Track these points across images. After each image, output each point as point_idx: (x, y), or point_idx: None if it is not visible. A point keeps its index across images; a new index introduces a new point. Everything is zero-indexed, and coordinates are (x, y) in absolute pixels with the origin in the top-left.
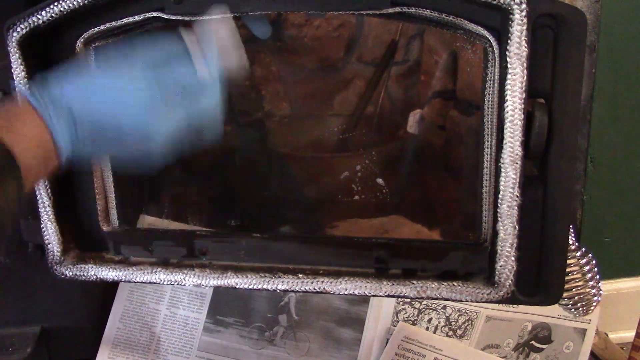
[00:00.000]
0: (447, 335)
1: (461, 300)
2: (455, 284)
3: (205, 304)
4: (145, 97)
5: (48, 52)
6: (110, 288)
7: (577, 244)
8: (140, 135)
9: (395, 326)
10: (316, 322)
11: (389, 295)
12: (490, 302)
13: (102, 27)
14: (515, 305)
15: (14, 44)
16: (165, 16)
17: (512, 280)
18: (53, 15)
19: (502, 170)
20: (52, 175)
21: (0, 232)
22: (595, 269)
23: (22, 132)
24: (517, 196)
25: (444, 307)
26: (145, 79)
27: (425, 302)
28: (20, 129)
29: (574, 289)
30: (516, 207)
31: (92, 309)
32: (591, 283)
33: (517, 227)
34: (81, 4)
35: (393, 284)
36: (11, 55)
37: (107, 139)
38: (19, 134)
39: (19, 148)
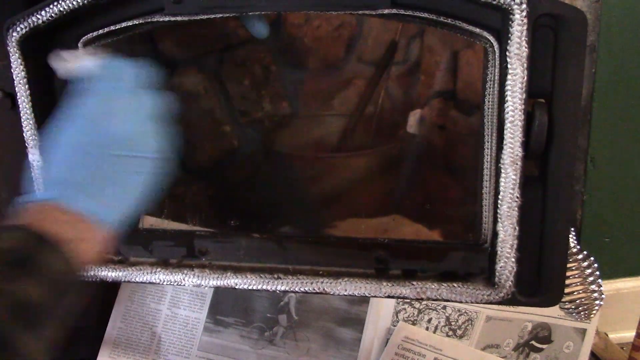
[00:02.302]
0: (447, 335)
1: (461, 302)
2: (455, 284)
3: (205, 304)
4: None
5: (48, 52)
6: (111, 288)
7: (578, 247)
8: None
9: (395, 326)
10: (316, 322)
11: (388, 296)
12: (491, 303)
13: (102, 27)
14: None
15: (13, 44)
16: (165, 17)
17: (512, 282)
18: (53, 15)
19: (502, 170)
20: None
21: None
22: (597, 273)
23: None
24: (517, 197)
25: (444, 307)
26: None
27: (425, 302)
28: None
29: (575, 293)
30: (516, 208)
31: (93, 308)
32: (593, 287)
33: (517, 228)
34: (81, 4)
35: (393, 285)
36: (11, 55)
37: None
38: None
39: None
